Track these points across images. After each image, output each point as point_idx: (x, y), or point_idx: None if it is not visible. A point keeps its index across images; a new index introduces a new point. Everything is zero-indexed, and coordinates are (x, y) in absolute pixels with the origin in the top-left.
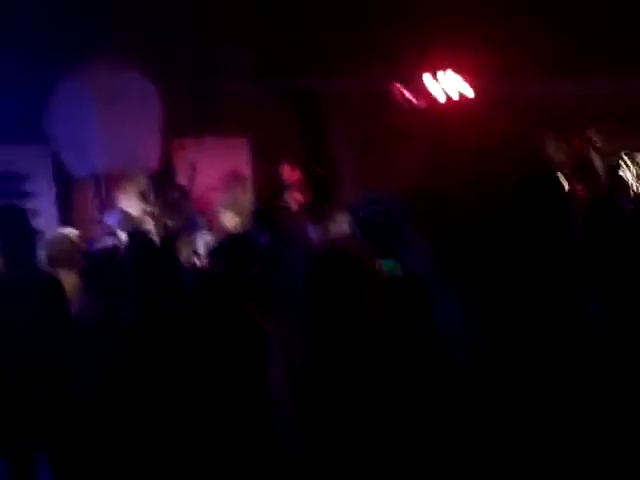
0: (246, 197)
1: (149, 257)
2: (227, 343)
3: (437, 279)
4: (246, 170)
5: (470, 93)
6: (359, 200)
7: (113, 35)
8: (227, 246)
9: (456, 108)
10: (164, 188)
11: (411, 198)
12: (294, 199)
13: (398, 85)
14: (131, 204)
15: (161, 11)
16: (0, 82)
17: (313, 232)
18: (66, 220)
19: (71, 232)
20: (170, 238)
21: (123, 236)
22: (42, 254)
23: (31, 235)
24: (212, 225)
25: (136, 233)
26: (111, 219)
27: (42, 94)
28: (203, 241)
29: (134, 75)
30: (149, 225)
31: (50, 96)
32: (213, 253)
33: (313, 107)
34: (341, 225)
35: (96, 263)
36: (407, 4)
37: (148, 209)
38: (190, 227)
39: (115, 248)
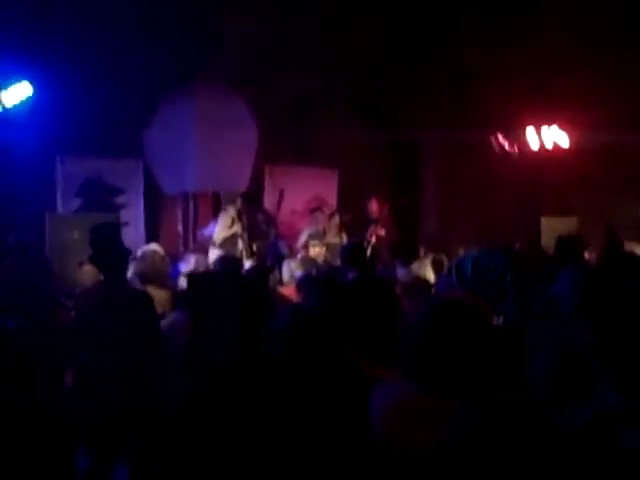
0: (333, 228)
1: (248, 291)
2: (327, 389)
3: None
4: (332, 200)
5: (565, 143)
6: (467, 258)
7: (217, 59)
8: (320, 282)
9: (548, 157)
10: (252, 211)
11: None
12: (378, 234)
13: (498, 135)
14: (226, 223)
15: (270, 41)
16: (102, 95)
17: (401, 272)
18: (152, 233)
19: (158, 248)
20: (267, 269)
21: (213, 254)
22: (132, 270)
23: (125, 253)
24: (294, 252)
25: (227, 259)
26: (207, 232)
27: (142, 110)
28: (288, 269)
29: (234, 99)
30: (239, 246)
31: (150, 113)
32: (306, 286)
33: (408, 153)
34: (427, 268)
35: (196, 286)
36: (505, 64)
37: (240, 231)
38: (276, 254)
39: (213, 274)
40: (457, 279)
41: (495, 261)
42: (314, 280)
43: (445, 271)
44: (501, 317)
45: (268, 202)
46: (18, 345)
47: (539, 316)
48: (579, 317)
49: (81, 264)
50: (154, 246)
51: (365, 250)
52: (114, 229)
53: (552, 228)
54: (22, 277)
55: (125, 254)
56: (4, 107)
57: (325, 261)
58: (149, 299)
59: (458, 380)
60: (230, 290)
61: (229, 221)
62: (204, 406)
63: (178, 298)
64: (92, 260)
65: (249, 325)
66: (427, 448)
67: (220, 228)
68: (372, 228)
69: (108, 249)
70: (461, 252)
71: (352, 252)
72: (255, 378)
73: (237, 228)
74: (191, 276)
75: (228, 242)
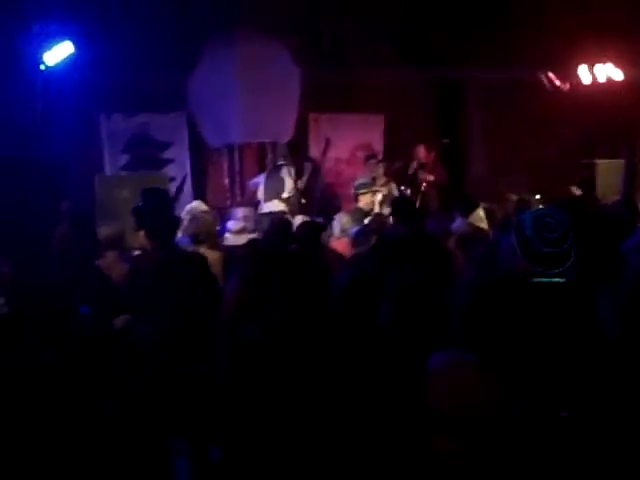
0: (381, 176)
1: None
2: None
3: None
4: (379, 146)
5: (619, 77)
6: (527, 216)
7: (256, 5)
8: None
9: (602, 93)
10: (298, 160)
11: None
12: (427, 180)
13: (549, 73)
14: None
15: None
16: (144, 50)
17: (458, 223)
18: (199, 187)
19: (205, 207)
20: (318, 226)
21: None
22: (182, 231)
23: (175, 220)
24: (344, 204)
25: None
26: (253, 183)
27: (185, 63)
28: (339, 223)
29: (277, 47)
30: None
31: (192, 66)
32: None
33: (453, 94)
34: (480, 218)
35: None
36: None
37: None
38: (326, 207)
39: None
40: (517, 238)
41: (558, 218)
42: (366, 236)
43: (501, 224)
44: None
45: (313, 151)
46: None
47: (606, 276)
48: None
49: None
50: (201, 205)
51: (414, 203)
52: (163, 195)
53: (606, 172)
54: (76, 248)
55: (175, 221)
56: (47, 66)
57: (376, 213)
58: (205, 261)
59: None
60: (282, 267)
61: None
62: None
63: (231, 262)
64: (141, 226)
65: (298, 304)
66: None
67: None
68: (421, 174)
69: (159, 216)
70: (512, 199)
71: (400, 207)
72: (295, 359)
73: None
74: (252, 243)
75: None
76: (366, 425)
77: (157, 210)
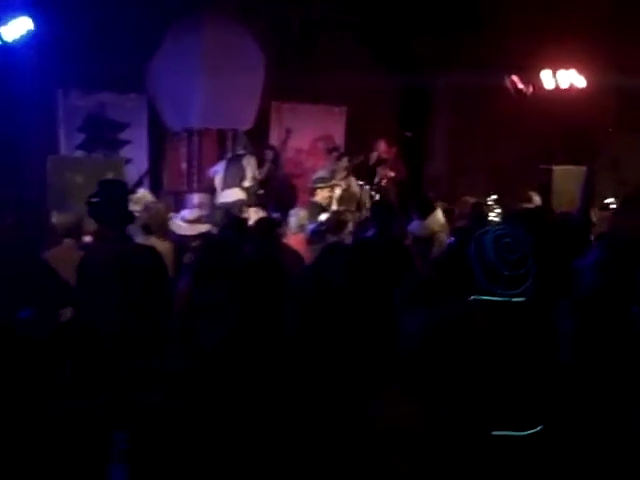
0: (340, 170)
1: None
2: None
3: None
4: (340, 139)
5: (581, 83)
6: (487, 238)
7: None
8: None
9: (562, 96)
10: (259, 148)
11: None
12: (387, 176)
13: (513, 77)
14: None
15: None
16: (106, 29)
17: (416, 225)
18: (155, 170)
19: (149, 196)
20: (273, 222)
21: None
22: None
23: (129, 211)
24: (301, 195)
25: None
26: (213, 172)
27: (147, 44)
28: (296, 218)
29: (243, 33)
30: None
31: (155, 47)
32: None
33: (419, 93)
34: (438, 220)
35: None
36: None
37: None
38: (281, 201)
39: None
40: (477, 260)
41: (517, 238)
42: (322, 234)
43: (457, 231)
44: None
45: (274, 140)
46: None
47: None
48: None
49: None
50: (148, 195)
51: (392, 208)
52: (121, 187)
53: (565, 177)
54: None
55: (131, 214)
56: (4, 41)
57: (333, 210)
58: (158, 255)
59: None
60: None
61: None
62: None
63: (183, 253)
64: (96, 218)
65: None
66: None
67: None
68: (381, 170)
69: (114, 209)
70: (469, 201)
71: (377, 212)
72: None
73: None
74: (207, 241)
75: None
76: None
77: (113, 203)
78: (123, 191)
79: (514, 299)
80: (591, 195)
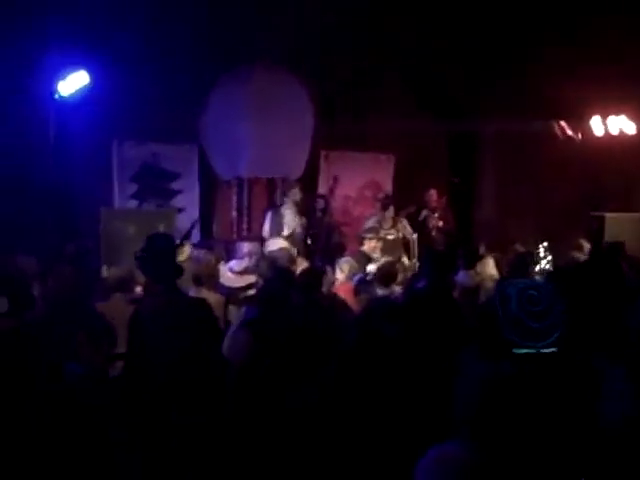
0: (387, 220)
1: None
2: None
3: None
4: (388, 186)
5: (631, 130)
6: (511, 289)
7: (272, 41)
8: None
9: (614, 145)
10: (309, 198)
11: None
12: (436, 225)
13: (562, 123)
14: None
15: (327, 23)
16: (158, 81)
17: (462, 275)
18: (206, 219)
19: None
20: (318, 274)
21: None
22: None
23: (178, 267)
24: (350, 244)
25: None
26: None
27: (198, 94)
28: (347, 266)
29: (292, 82)
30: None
31: (206, 97)
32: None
33: (466, 139)
34: (489, 266)
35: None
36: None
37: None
38: (329, 251)
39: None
40: (501, 312)
41: (544, 291)
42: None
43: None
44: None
45: (322, 188)
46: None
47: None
48: None
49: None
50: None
51: (443, 260)
52: (167, 240)
53: (617, 225)
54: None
55: (179, 267)
56: (61, 96)
57: (380, 256)
58: (209, 306)
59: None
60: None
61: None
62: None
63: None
64: (142, 269)
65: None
66: None
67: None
68: (431, 220)
69: (162, 263)
70: (519, 250)
71: (427, 262)
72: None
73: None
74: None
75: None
76: None
77: (160, 257)
78: (171, 244)
79: (543, 350)
80: None
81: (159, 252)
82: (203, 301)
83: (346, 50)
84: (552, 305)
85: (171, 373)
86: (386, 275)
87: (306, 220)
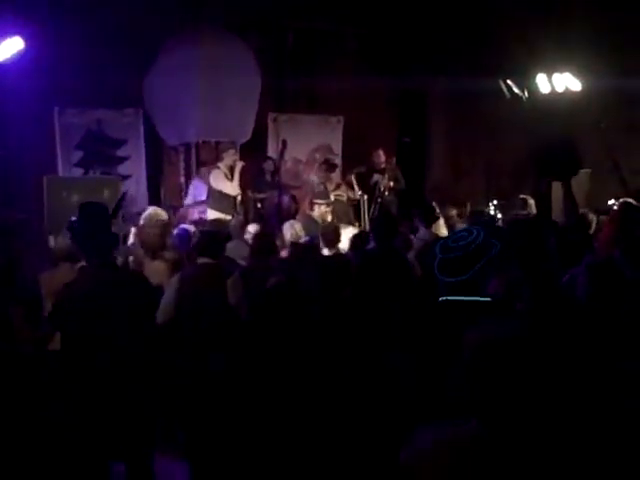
0: (333, 183)
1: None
2: None
3: None
4: (337, 149)
5: (576, 87)
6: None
7: (221, 3)
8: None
9: (557, 100)
10: (257, 160)
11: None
12: (386, 186)
13: (508, 81)
14: (220, 180)
15: None
16: (99, 47)
17: (423, 233)
18: (154, 185)
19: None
20: (271, 236)
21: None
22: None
23: (110, 236)
24: (298, 204)
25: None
26: (197, 192)
27: (142, 59)
28: (292, 231)
29: (238, 45)
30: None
31: (150, 62)
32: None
33: (415, 100)
34: (441, 226)
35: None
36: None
37: (235, 191)
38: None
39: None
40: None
41: (467, 232)
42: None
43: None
44: None
45: (271, 152)
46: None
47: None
48: None
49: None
50: (159, 214)
51: (392, 222)
52: (100, 211)
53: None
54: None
55: (112, 239)
56: None
57: (327, 221)
58: (148, 283)
59: None
60: None
61: (221, 177)
62: None
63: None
64: (77, 243)
65: None
66: None
67: (214, 184)
68: (382, 181)
69: (94, 235)
70: (468, 208)
71: (379, 227)
72: None
73: (230, 188)
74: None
75: (223, 201)
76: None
77: (92, 229)
78: (102, 216)
79: (481, 299)
80: (573, 204)
81: (89, 223)
82: (136, 277)
83: (293, 11)
84: (470, 243)
85: (102, 352)
86: (329, 237)
87: (254, 183)
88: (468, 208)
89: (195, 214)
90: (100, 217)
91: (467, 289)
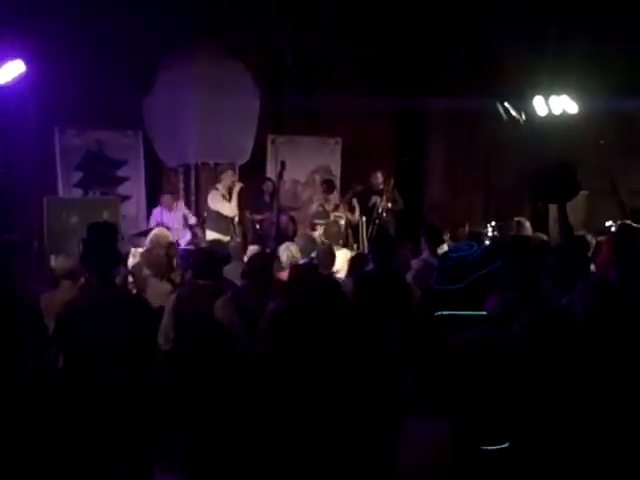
0: (332, 203)
1: None
2: None
3: None
4: (336, 170)
5: (573, 109)
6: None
7: (217, 24)
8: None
9: (554, 122)
10: (256, 181)
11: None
12: (385, 207)
13: (505, 103)
14: (218, 202)
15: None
16: (100, 68)
17: (429, 256)
18: (153, 206)
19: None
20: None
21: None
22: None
23: (118, 257)
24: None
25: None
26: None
27: (141, 80)
28: (288, 253)
29: (236, 66)
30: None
31: (149, 83)
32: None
33: (413, 121)
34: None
35: None
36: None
37: (233, 212)
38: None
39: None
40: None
41: (466, 248)
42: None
43: None
44: None
45: (270, 173)
46: None
47: None
48: None
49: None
50: (164, 236)
51: (391, 243)
52: (110, 230)
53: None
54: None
55: (119, 257)
56: None
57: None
58: (147, 305)
59: None
60: None
61: (219, 198)
62: None
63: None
64: (83, 260)
65: None
66: None
67: (212, 205)
68: (380, 202)
69: (98, 253)
70: (465, 231)
71: (378, 248)
72: None
73: (228, 209)
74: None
75: (220, 222)
76: None
77: (94, 247)
78: (106, 234)
79: (475, 313)
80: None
81: (94, 242)
82: (136, 298)
83: (292, 32)
84: (470, 254)
85: (101, 371)
86: (324, 259)
87: (253, 205)
88: (467, 229)
89: (187, 236)
90: (105, 235)
91: (462, 300)
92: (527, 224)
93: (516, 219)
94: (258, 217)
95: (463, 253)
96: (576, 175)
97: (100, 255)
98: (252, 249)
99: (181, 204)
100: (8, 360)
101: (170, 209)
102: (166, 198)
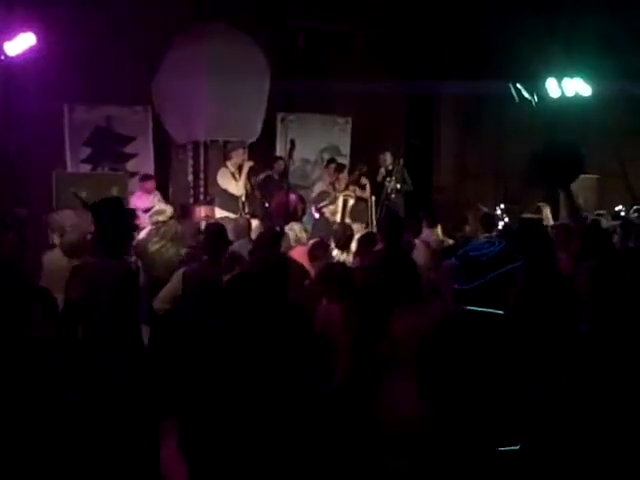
0: (341, 181)
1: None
2: None
3: None
4: (345, 149)
5: (587, 91)
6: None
7: (228, 1)
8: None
9: (567, 105)
10: (264, 159)
11: None
12: (393, 187)
13: (517, 84)
14: (226, 180)
15: None
16: (109, 44)
17: (428, 236)
18: (161, 183)
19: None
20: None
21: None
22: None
23: (130, 232)
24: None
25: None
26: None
27: (152, 57)
28: (292, 233)
29: (247, 43)
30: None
31: (157, 58)
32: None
33: (424, 102)
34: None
35: None
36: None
37: (241, 191)
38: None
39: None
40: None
41: (488, 244)
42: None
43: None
44: None
45: (280, 151)
46: None
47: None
48: None
49: None
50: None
51: (399, 222)
52: (117, 205)
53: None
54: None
55: (130, 233)
56: (7, 56)
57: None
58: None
59: None
60: None
61: (228, 177)
62: None
63: None
64: (94, 239)
65: None
66: None
67: (221, 183)
68: (388, 182)
69: (111, 229)
70: (482, 209)
71: (386, 226)
72: None
73: (235, 188)
74: None
75: (229, 200)
76: None
77: (109, 224)
78: (118, 211)
79: (495, 311)
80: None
81: (101, 218)
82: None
83: (305, 12)
84: (492, 251)
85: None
86: (343, 239)
87: (264, 183)
88: (481, 211)
89: (202, 212)
90: (115, 213)
91: (482, 297)
92: (547, 210)
93: (538, 204)
94: (267, 195)
95: (485, 251)
96: (579, 156)
97: (107, 229)
98: (256, 225)
99: (158, 194)
100: (19, 326)
101: (149, 194)
102: (151, 183)
